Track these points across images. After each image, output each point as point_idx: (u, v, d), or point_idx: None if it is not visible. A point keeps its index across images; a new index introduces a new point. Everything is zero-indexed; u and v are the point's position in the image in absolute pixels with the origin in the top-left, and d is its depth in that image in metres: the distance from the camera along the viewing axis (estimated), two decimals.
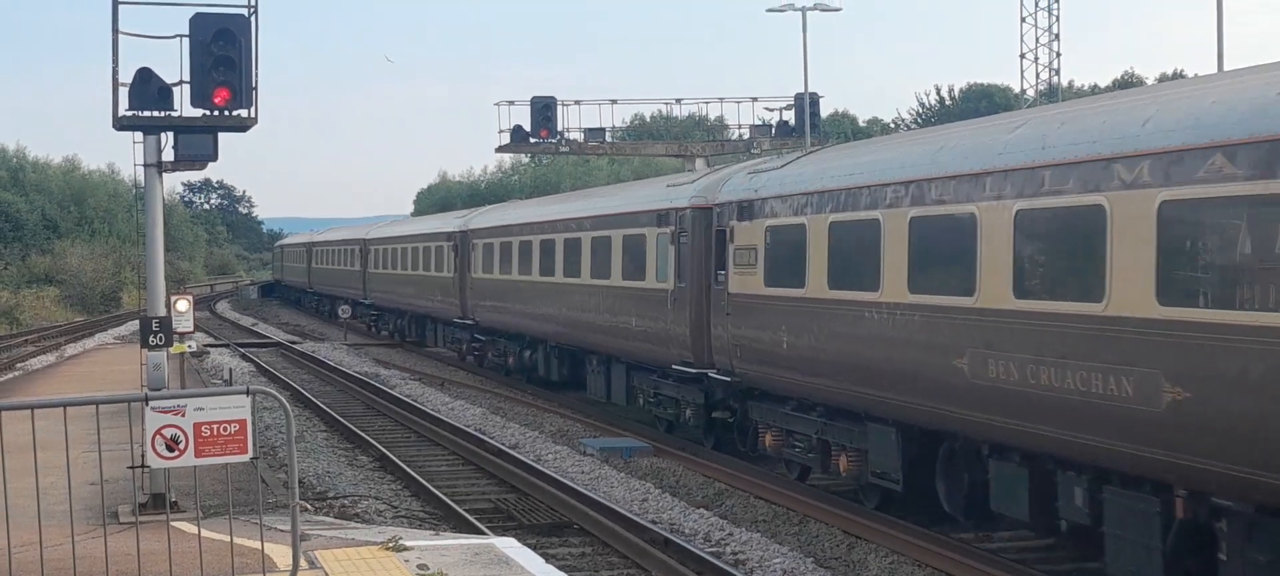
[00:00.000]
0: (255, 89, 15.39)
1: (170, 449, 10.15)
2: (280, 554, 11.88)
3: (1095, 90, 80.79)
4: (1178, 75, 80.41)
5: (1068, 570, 15.05)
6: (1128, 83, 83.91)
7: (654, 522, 17.11)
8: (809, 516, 17.74)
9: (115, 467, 13.97)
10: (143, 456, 10.73)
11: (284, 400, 11.56)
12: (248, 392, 10.48)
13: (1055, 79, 64.87)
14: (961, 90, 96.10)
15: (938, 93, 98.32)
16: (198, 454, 10.20)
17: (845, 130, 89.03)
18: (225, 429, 10.17)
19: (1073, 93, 71.30)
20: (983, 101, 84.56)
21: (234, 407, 10.25)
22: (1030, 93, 65.18)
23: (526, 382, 34.16)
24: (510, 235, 34.65)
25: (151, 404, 10.25)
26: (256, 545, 11.70)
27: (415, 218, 63.39)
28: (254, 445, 10.56)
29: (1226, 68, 40.49)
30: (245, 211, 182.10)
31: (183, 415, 10.10)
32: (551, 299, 30.65)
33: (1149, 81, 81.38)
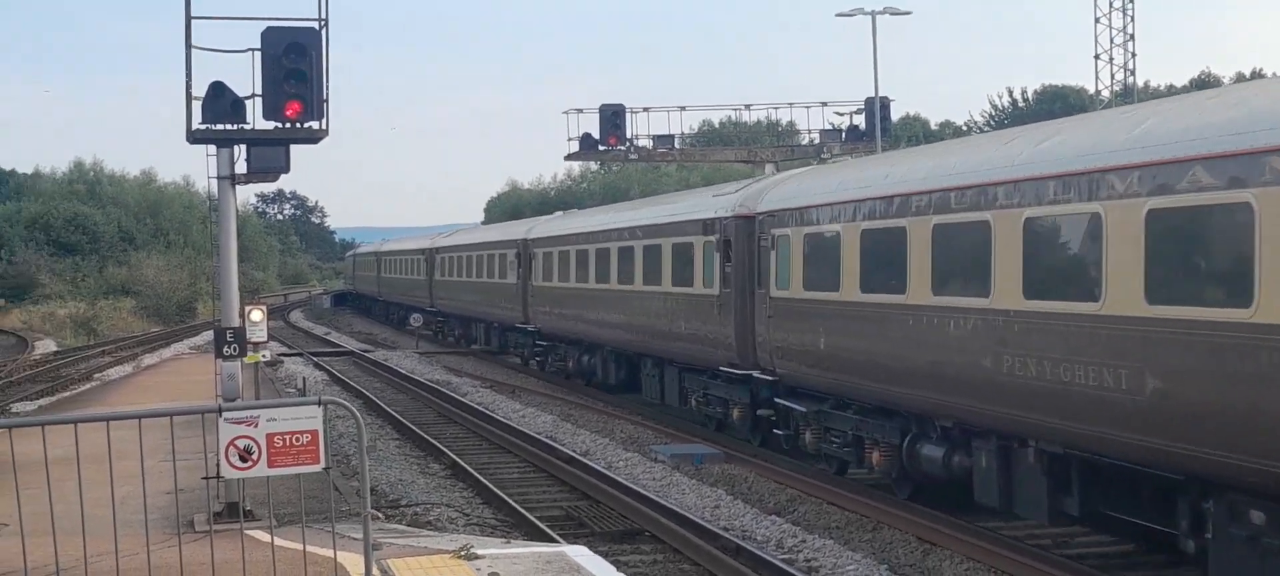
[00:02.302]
0: (326, 101, 15.52)
1: (243, 459, 10.20)
2: (353, 562, 11.91)
3: (1172, 91, 79.67)
4: (1256, 74, 79.22)
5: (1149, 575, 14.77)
6: (1205, 83, 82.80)
7: (726, 529, 17.02)
8: (882, 523, 17.58)
9: (190, 477, 14.11)
10: (217, 467, 10.81)
11: (355, 410, 11.59)
12: (320, 403, 10.51)
13: (1131, 79, 64.15)
14: (1035, 92, 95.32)
15: (1010, 95, 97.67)
16: (271, 464, 10.24)
17: (917, 133, 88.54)
18: (298, 439, 10.21)
19: (1148, 93, 70.44)
20: (1057, 103, 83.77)
21: (306, 418, 10.28)
22: (1105, 94, 64.48)
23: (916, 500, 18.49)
24: (940, 212, 16.28)
25: (225, 415, 10.31)
26: (330, 553, 11.74)
27: (611, 207, 41.20)
28: (326, 454, 10.60)
29: None
30: (317, 222, 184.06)
31: (256, 426, 10.14)
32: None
33: (1226, 81, 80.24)
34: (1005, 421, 15.02)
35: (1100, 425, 13.12)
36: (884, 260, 17.67)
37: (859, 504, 18.79)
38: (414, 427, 27.98)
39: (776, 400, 22.14)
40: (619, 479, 20.67)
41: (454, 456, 23.82)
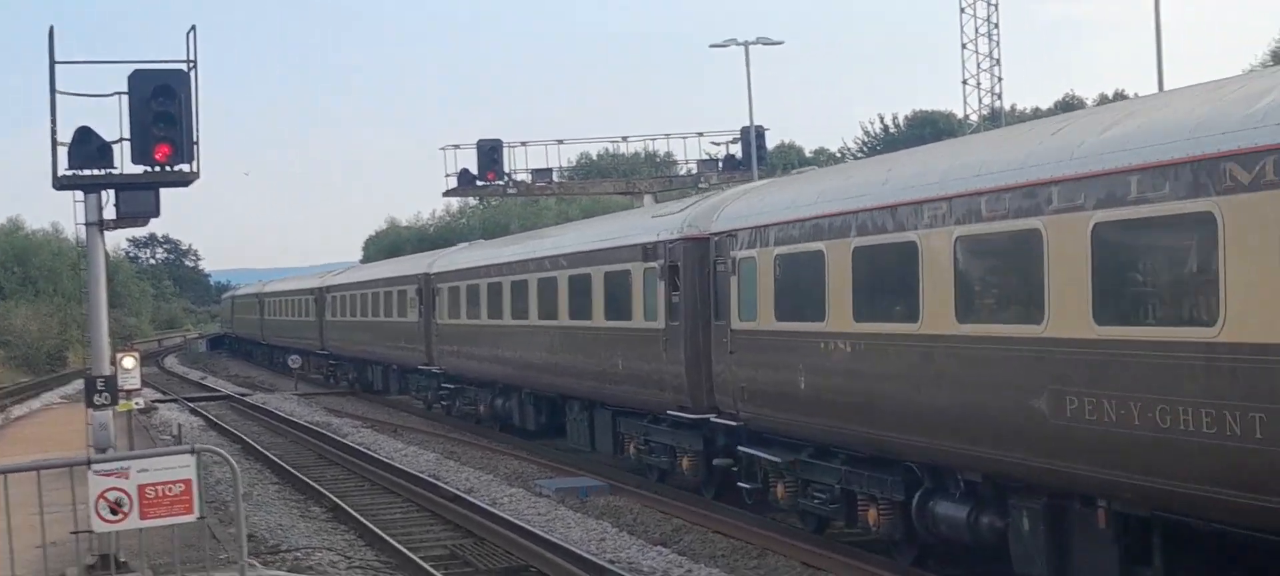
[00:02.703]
0: (196, 143, 15.33)
1: (114, 512, 10.02)
2: None
3: (1038, 114, 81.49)
4: (1119, 96, 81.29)
5: None
6: (1069, 105, 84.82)
7: (612, 562, 16.98)
8: (768, 549, 17.68)
9: (60, 531, 13.75)
10: (88, 520, 10.58)
11: (229, 456, 11.42)
12: (193, 452, 10.35)
13: (998, 104, 65.52)
14: (906, 118, 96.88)
15: (881, 121, 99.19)
16: (143, 516, 10.07)
17: (792, 161, 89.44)
18: (170, 489, 10.04)
19: (1015, 117, 71.98)
20: (927, 128, 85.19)
21: (179, 468, 10.13)
22: (974, 118, 65.75)
23: None
24: (966, 222, 13.64)
25: (94, 468, 10.10)
26: None
27: (528, 234, 38.24)
28: (201, 503, 10.43)
29: (1166, 87, 40.94)
30: (191, 265, 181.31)
31: (127, 477, 9.96)
32: None
33: (1089, 103, 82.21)
34: (1065, 477, 12.07)
35: (1216, 484, 10.33)
36: (886, 282, 14.80)
37: (743, 531, 18.89)
38: (293, 471, 27.58)
39: (740, 448, 19.15)
40: (504, 515, 20.56)
41: (335, 498, 23.52)
